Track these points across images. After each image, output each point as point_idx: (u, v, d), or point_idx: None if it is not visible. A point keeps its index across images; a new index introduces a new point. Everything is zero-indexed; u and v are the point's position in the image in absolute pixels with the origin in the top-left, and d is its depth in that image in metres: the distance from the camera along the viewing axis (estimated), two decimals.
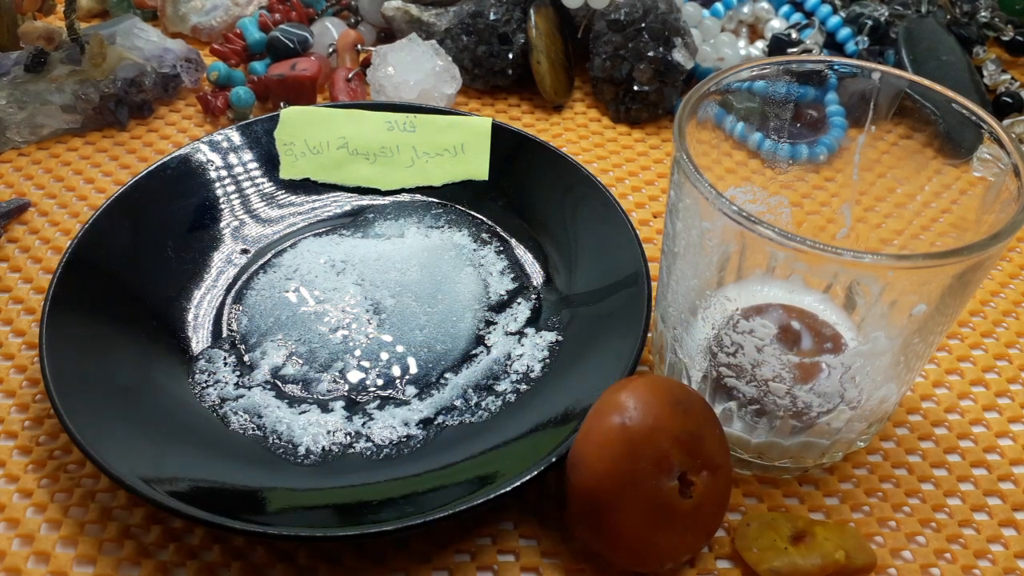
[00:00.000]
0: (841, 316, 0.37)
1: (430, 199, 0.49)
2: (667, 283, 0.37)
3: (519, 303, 0.43)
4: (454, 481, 0.34)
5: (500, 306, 0.43)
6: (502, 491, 0.32)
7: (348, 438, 0.37)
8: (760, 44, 0.61)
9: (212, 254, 0.45)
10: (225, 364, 0.40)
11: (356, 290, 0.44)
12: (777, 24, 0.62)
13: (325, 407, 0.39)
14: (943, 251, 0.29)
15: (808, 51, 0.58)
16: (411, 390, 0.39)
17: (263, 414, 0.38)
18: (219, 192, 0.47)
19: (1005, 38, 0.62)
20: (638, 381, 0.33)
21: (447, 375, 0.40)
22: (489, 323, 0.42)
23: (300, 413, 0.38)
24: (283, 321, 0.42)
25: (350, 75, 0.58)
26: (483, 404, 0.39)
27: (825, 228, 0.40)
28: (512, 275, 0.45)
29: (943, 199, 0.36)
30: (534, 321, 0.42)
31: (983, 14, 0.62)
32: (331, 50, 0.60)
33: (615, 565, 0.34)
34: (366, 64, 0.59)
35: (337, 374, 0.40)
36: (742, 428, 0.36)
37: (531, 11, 0.57)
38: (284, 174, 0.49)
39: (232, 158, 0.48)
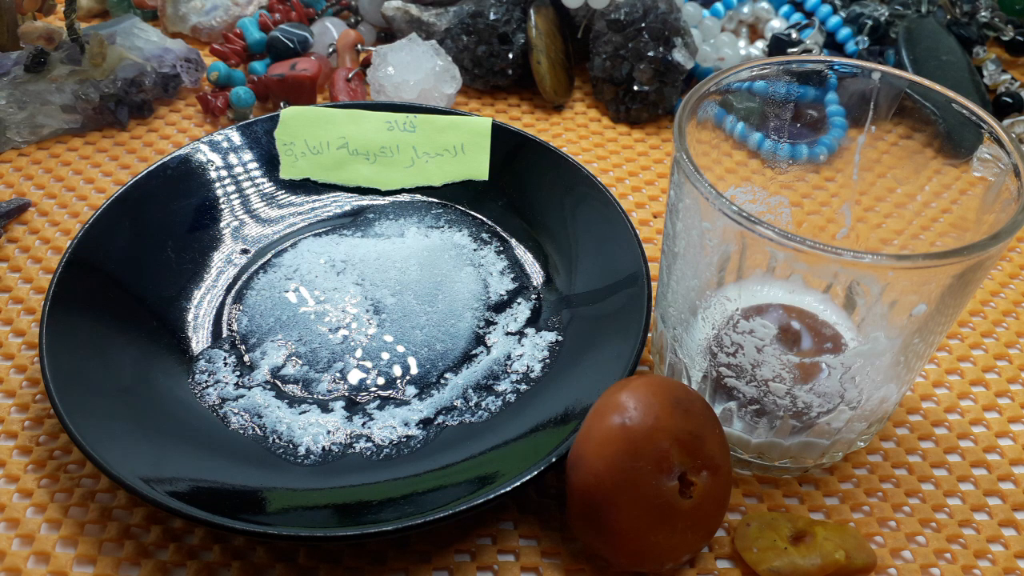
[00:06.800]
0: (841, 316, 0.37)
1: (430, 199, 0.49)
2: (667, 283, 0.37)
3: (519, 303, 0.43)
4: (454, 481, 0.34)
5: (500, 306, 0.43)
6: (502, 491, 0.32)
7: (348, 438, 0.37)
8: (760, 44, 0.61)
9: (212, 254, 0.45)
10: (225, 364, 0.40)
11: (356, 290, 0.44)
12: (777, 24, 0.62)
13: (325, 407, 0.39)
14: (943, 251, 0.29)
15: (808, 51, 0.58)
16: (411, 390, 0.39)
17: (263, 414, 0.38)
18: (219, 192, 0.47)
19: (1005, 38, 0.62)
20: (638, 381, 0.33)
21: (447, 375, 0.40)
22: (489, 323, 0.42)
23: (300, 413, 0.38)
24: (283, 321, 0.42)
25: (350, 75, 0.58)
26: (483, 404, 0.39)
27: (825, 228, 0.40)
28: (512, 275, 0.45)
29: (943, 199, 0.36)
30: (534, 321, 0.42)
31: (983, 14, 0.62)
32: (331, 50, 0.60)
33: (615, 565, 0.34)
34: (366, 64, 0.59)
35: (337, 374, 0.40)
36: (742, 428, 0.36)
37: (531, 11, 0.57)
38: (284, 174, 0.49)
39: (232, 158, 0.48)
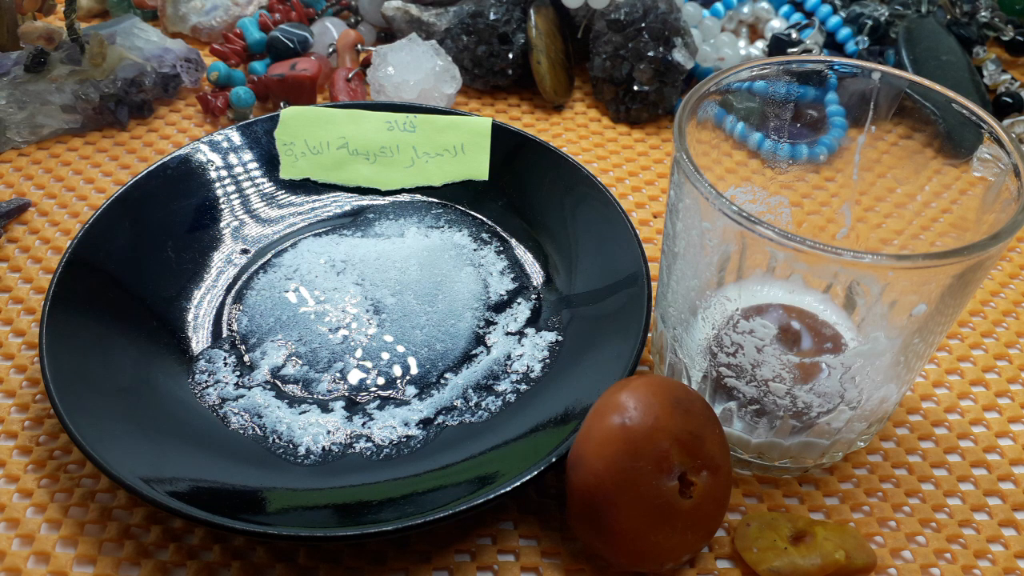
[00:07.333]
0: (841, 316, 0.37)
1: (430, 199, 0.49)
2: (667, 283, 0.37)
3: (519, 303, 0.43)
4: (454, 481, 0.34)
5: (500, 306, 0.43)
6: (502, 491, 0.32)
7: (348, 438, 0.37)
8: (760, 44, 0.61)
9: (212, 254, 0.45)
10: (225, 364, 0.40)
11: (356, 290, 0.44)
12: (777, 24, 0.62)
13: (325, 407, 0.39)
14: (943, 251, 0.29)
15: (808, 51, 0.58)
16: (411, 390, 0.39)
17: (263, 414, 0.38)
18: (219, 192, 0.47)
19: (1005, 38, 0.62)
20: (638, 381, 0.33)
21: (447, 375, 0.40)
22: (489, 323, 0.42)
23: (300, 413, 0.38)
24: (283, 321, 0.42)
25: (350, 75, 0.58)
26: (483, 404, 0.39)
27: (825, 228, 0.40)
28: (512, 275, 0.45)
29: (943, 199, 0.36)
30: (534, 321, 0.42)
31: (983, 14, 0.62)
32: (331, 50, 0.60)
33: (615, 565, 0.34)
34: (366, 64, 0.59)
35: (337, 374, 0.40)
36: (742, 428, 0.36)
37: (531, 11, 0.57)
38: (284, 174, 0.49)
39: (232, 158, 0.48)
